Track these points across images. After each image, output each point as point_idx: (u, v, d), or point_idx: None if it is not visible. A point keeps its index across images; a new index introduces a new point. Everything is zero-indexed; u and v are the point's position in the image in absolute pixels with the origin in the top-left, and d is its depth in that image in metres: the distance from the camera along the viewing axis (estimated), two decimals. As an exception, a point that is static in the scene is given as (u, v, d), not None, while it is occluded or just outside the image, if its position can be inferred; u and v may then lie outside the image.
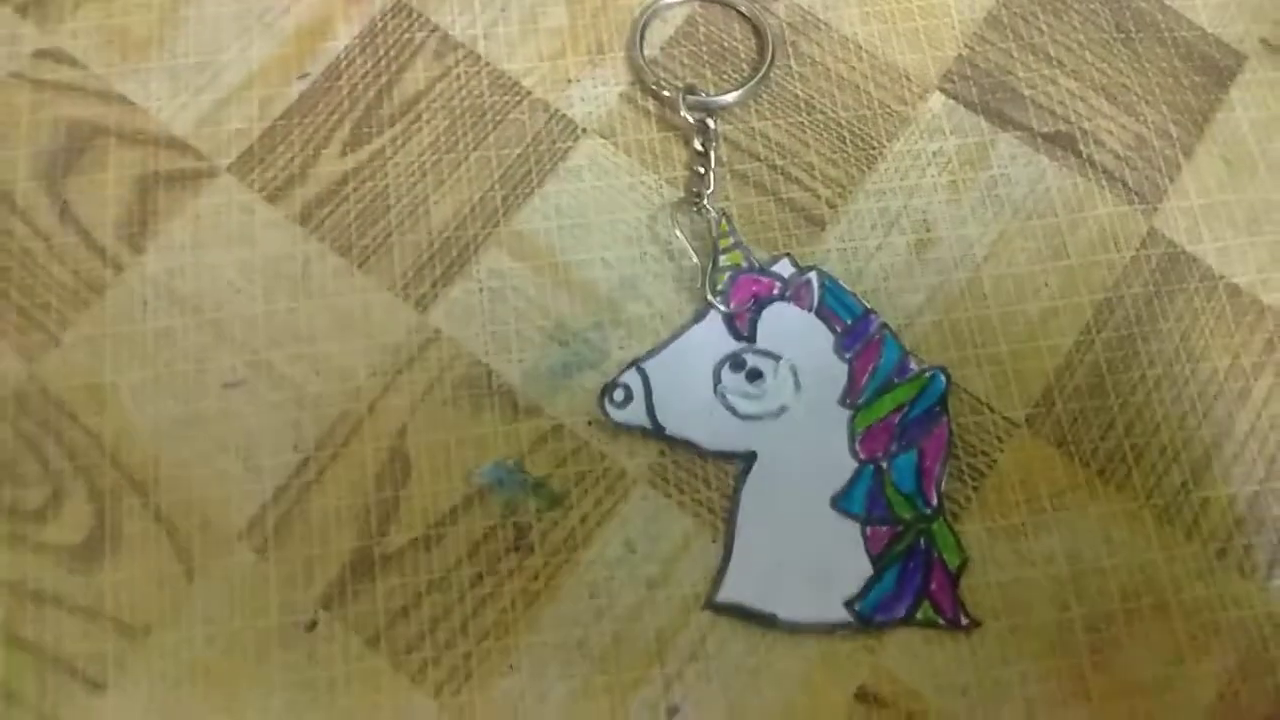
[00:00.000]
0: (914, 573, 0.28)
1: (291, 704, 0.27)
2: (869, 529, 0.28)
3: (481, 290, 0.30)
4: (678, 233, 0.31)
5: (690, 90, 0.32)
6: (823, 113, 0.32)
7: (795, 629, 0.27)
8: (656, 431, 0.29)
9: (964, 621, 0.27)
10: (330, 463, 0.29)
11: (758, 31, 0.33)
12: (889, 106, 0.32)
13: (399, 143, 0.32)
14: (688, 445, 0.29)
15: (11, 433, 0.29)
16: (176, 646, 0.27)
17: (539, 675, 0.27)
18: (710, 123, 0.31)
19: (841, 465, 0.28)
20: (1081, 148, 0.32)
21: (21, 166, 0.31)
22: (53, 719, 0.26)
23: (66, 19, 0.33)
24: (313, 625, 0.27)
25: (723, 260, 0.30)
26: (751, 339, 0.29)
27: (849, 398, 0.29)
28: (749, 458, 0.29)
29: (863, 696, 0.27)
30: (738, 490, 0.28)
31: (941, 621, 0.27)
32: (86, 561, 0.28)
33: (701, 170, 0.31)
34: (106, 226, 0.31)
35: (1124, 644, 0.27)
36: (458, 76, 0.33)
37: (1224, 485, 0.29)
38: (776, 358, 0.29)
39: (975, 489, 0.29)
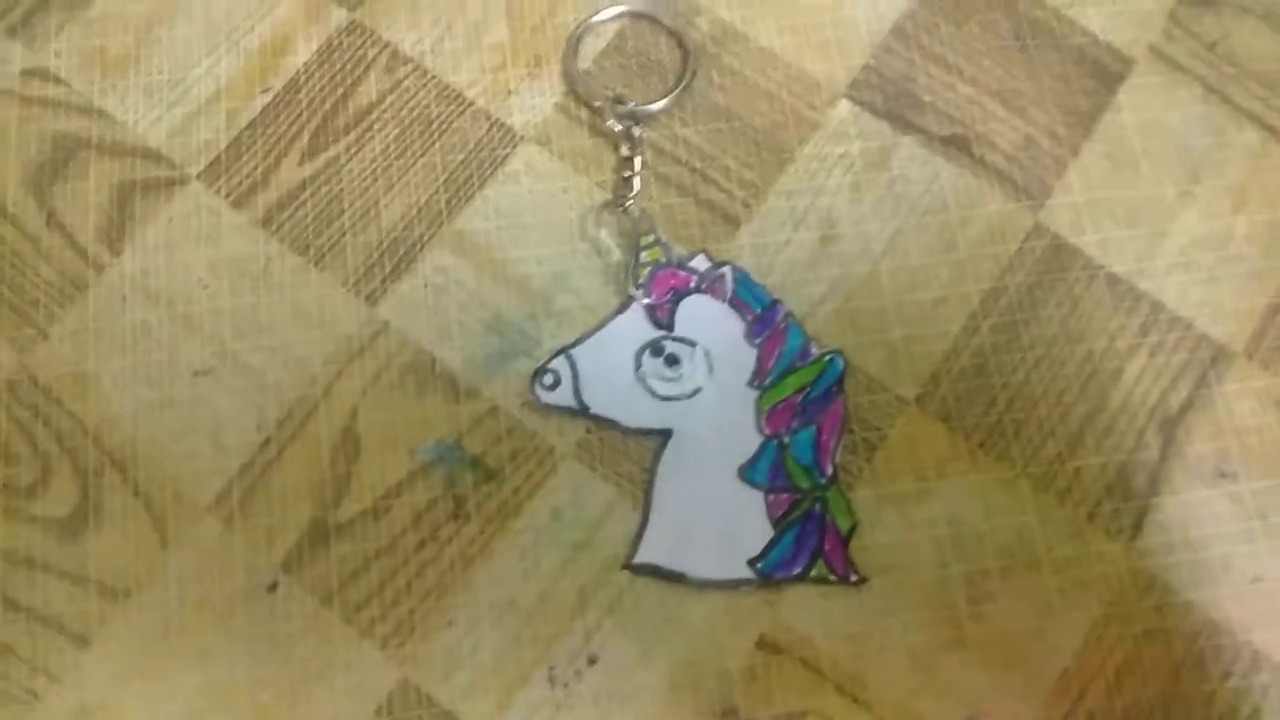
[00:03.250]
0: (810, 535, 0.31)
1: (255, 656, 0.30)
2: (771, 497, 0.31)
3: (426, 285, 0.33)
4: (604, 232, 0.34)
5: (619, 100, 0.35)
6: (740, 119, 0.35)
7: (703, 585, 0.31)
8: (583, 411, 0.32)
9: (853, 578, 0.31)
10: (289, 442, 0.32)
11: (681, 45, 0.36)
12: (800, 113, 0.35)
13: (353, 151, 0.35)
14: (611, 424, 0.32)
15: (5, 417, 0.32)
16: (153, 606, 0.30)
17: (474, 629, 0.30)
18: (636, 130, 0.34)
19: (748, 440, 0.32)
20: (975, 149, 0.35)
21: (11, 176, 0.34)
22: (44, 670, 0.30)
23: (51, 40, 0.36)
24: (274, 587, 0.31)
25: (644, 256, 0.33)
26: (670, 327, 0.33)
27: (756, 380, 0.32)
28: (666, 434, 0.32)
29: (762, 644, 0.30)
30: (655, 463, 0.31)
31: (833, 578, 0.31)
32: (73, 532, 0.31)
33: (628, 174, 0.34)
34: (88, 230, 0.34)
35: (999, 597, 0.31)
36: (407, 89, 0.36)
37: (1096, 455, 0.32)
38: (692, 344, 0.32)
39: (867, 460, 0.32)
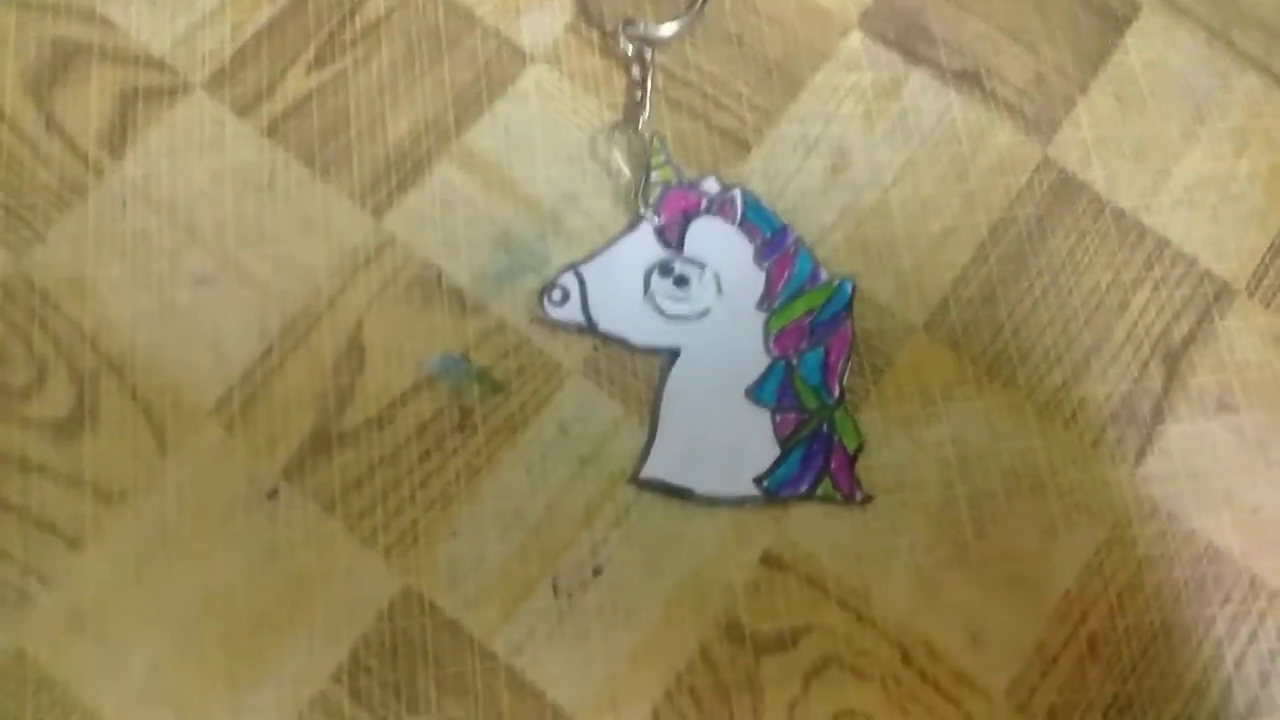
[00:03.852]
0: (816, 454, 0.31)
1: (254, 563, 0.30)
2: (778, 416, 0.31)
3: (434, 200, 0.33)
4: (615, 152, 0.34)
5: (630, 22, 0.34)
6: (751, 46, 0.35)
7: (710, 502, 0.30)
8: (591, 328, 0.32)
9: (859, 496, 0.31)
10: (292, 351, 0.31)
11: (694, -29, 0.36)
12: (812, 43, 0.35)
13: (360, 64, 0.34)
14: (619, 341, 0.32)
15: (-1, 319, 0.31)
16: (150, 511, 0.30)
17: (478, 540, 0.30)
18: (648, 53, 0.34)
19: (756, 361, 0.32)
20: (986, 83, 0.35)
21: (9, 79, 0.34)
22: (36, 571, 0.29)
23: (51, -54, 0.35)
24: (274, 494, 0.30)
25: (655, 177, 0.33)
26: (679, 248, 0.32)
27: (765, 302, 0.32)
28: (673, 353, 0.32)
29: (767, 560, 0.30)
30: (662, 381, 0.31)
31: (839, 496, 0.31)
32: (68, 435, 0.30)
33: (639, 96, 0.34)
34: (89, 135, 0.33)
35: (1003, 518, 0.31)
36: (415, 5, 0.35)
37: (1101, 384, 0.32)
38: (701, 265, 0.32)
39: (875, 383, 0.32)
